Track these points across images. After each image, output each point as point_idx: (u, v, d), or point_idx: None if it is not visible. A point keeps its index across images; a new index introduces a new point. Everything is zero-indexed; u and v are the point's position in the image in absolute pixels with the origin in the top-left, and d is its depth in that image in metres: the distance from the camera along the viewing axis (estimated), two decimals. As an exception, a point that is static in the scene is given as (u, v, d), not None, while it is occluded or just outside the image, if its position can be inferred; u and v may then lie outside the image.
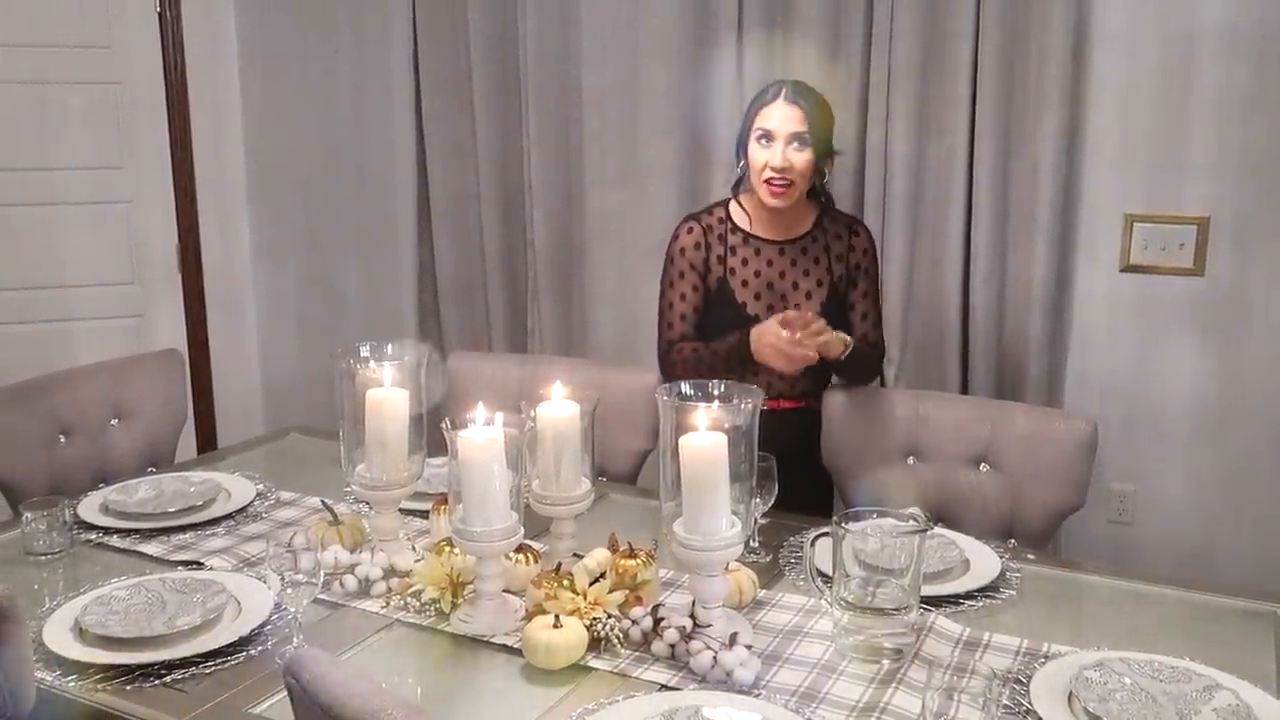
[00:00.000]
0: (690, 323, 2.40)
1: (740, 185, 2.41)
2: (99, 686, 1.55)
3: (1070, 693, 1.48)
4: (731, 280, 2.36)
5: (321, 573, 1.66)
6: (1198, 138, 2.78)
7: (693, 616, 1.63)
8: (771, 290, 2.37)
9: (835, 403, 2.42)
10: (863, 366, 2.38)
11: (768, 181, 2.27)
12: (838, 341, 2.21)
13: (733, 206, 2.43)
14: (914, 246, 3.05)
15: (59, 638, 1.65)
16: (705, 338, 2.38)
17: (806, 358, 2.14)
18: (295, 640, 1.63)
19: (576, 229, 3.53)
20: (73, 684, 1.56)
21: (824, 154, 2.30)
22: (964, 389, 3.03)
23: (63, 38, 3.64)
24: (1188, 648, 1.62)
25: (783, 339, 2.12)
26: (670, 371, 2.39)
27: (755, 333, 2.19)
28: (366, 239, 3.92)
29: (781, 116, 2.25)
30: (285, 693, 1.25)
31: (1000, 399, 2.89)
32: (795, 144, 2.25)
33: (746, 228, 2.39)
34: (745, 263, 2.37)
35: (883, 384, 3.07)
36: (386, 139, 3.76)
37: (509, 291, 3.68)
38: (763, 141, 2.27)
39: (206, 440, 3.95)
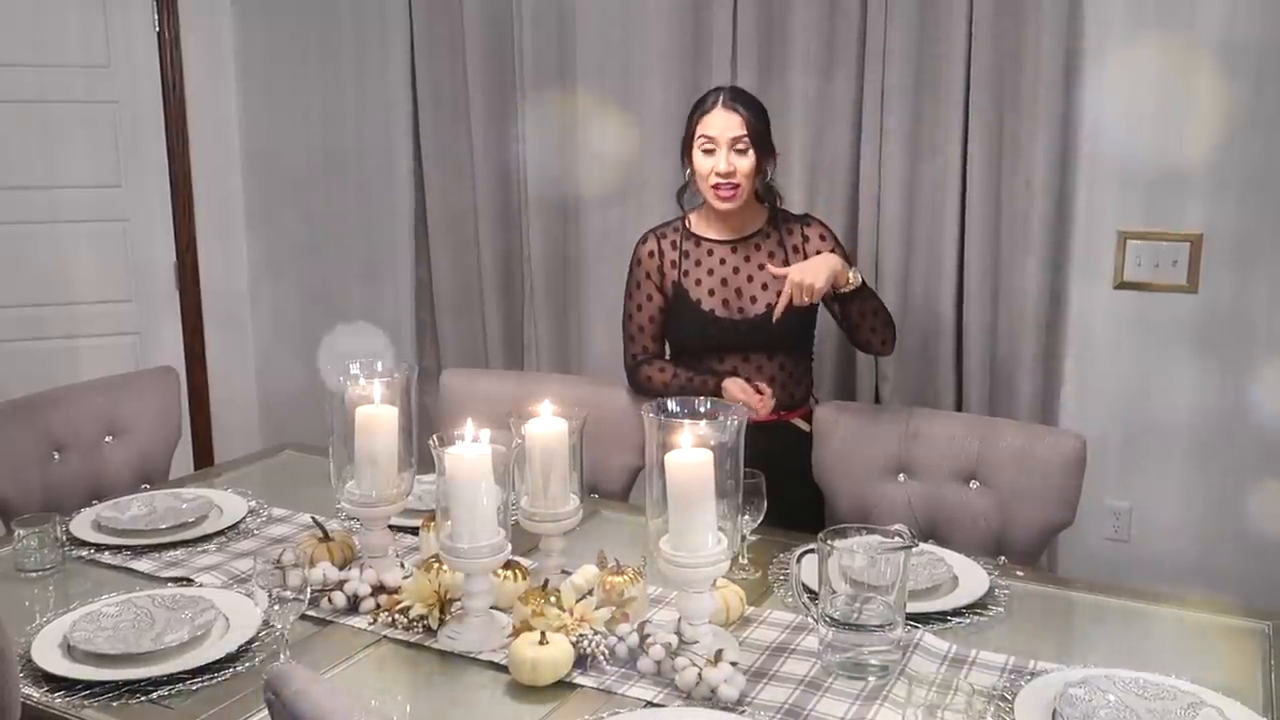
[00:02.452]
0: (650, 333, 2.53)
1: (685, 192, 2.51)
2: (85, 703, 1.56)
3: (1055, 710, 1.48)
4: (685, 281, 2.47)
5: (309, 589, 1.66)
6: (1193, 154, 2.77)
7: (679, 633, 1.63)
8: (726, 286, 2.46)
9: (826, 418, 2.42)
10: (877, 302, 2.43)
11: (715, 187, 2.36)
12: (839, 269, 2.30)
13: (689, 215, 2.52)
14: (908, 263, 3.05)
15: (47, 654, 1.66)
16: (668, 339, 2.52)
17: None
18: (282, 656, 1.64)
19: (573, 245, 3.54)
20: (59, 701, 1.57)
21: (765, 154, 2.39)
22: (958, 405, 3.03)
23: (63, 57, 3.67)
24: (1176, 665, 1.61)
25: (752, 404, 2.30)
26: (638, 385, 2.52)
27: (725, 388, 2.35)
28: (364, 255, 3.94)
29: (722, 123, 2.35)
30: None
31: (994, 415, 2.88)
32: (737, 148, 2.34)
33: (699, 232, 2.50)
34: (699, 263, 2.47)
35: (877, 399, 3.08)
36: (384, 155, 3.78)
37: (506, 308, 3.69)
38: (706, 149, 2.36)
39: (204, 456, 3.96)
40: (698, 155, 2.38)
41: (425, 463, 1.90)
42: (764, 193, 2.47)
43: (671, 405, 1.74)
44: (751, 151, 2.35)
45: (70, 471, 2.52)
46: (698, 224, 2.51)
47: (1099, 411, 2.95)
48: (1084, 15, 2.81)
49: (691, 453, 1.62)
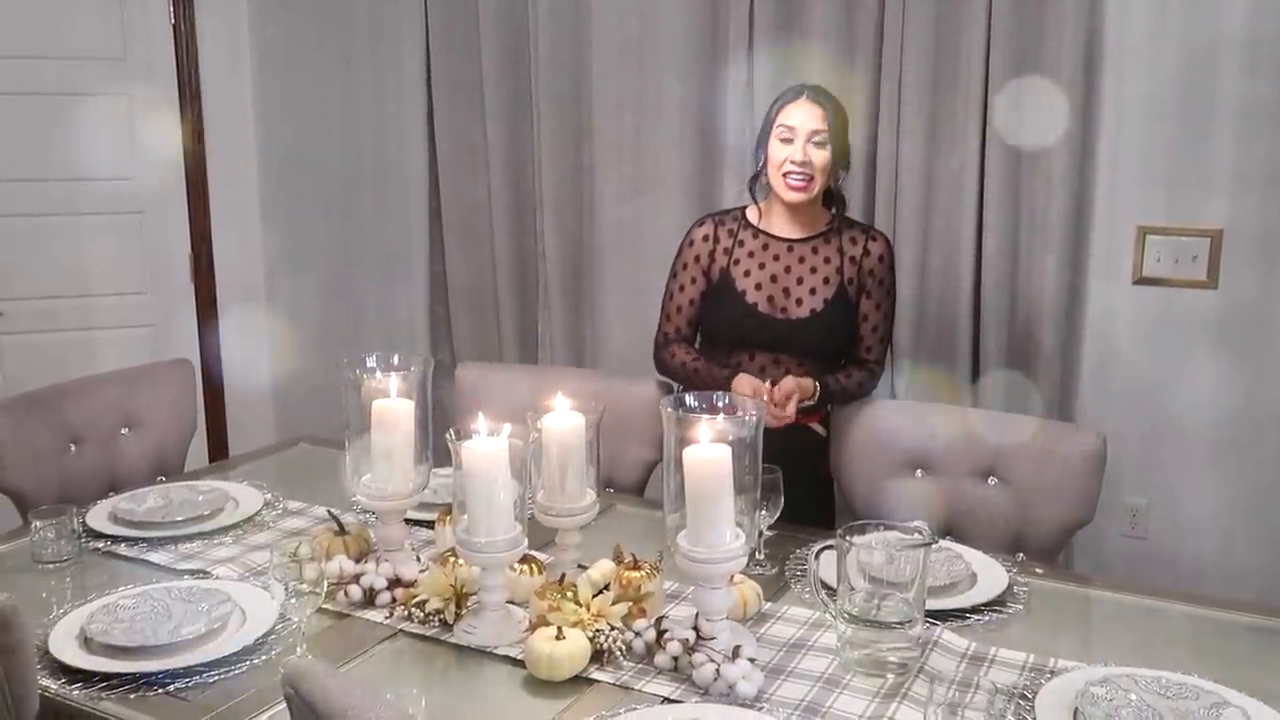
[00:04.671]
0: (686, 316, 2.50)
1: (756, 182, 2.47)
2: (103, 695, 1.56)
3: (1076, 709, 1.47)
4: (734, 270, 2.44)
5: (325, 582, 1.66)
6: (1214, 150, 2.76)
7: (696, 629, 1.62)
8: (774, 283, 2.42)
9: (843, 416, 2.41)
10: (848, 396, 2.42)
11: (787, 175, 2.34)
12: (808, 386, 2.31)
13: (749, 207, 2.49)
14: (925, 257, 3.04)
15: (64, 646, 1.66)
16: (704, 327, 2.49)
17: (783, 419, 2.24)
18: (299, 650, 1.64)
19: (588, 240, 3.53)
20: (77, 692, 1.57)
21: (840, 157, 2.37)
22: (975, 401, 3.02)
23: (79, 50, 3.68)
24: (1196, 664, 1.60)
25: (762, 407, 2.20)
26: (661, 362, 2.52)
27: (735, 386, 2.29)
28: (379, 249, 3.94)
29: (804, 115, 2.33)
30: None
31: (1012, 411, 2.86)
32: (815, 141, 2.32)
33: (759, 224, 2.46)
34: (751, 255, 2.44)
35: (894, 395, 3.07)
36: (399, 150, 3.78)
37: (520, 302, 3.69)
38: (785, 138, 2.34)
39: (218, 448, 3.97)
40: (774, 144, 2.35)
41: (441, 456, 1.89)
42: (832, 197, 2.44)
43: (690, 399, 1.73)
44: (829, 147, 2.32)
45: (86, 463, 2.52)
46: (757, 214, 2.47)
47: (1117, 407, 2.93)
48: (1105, 9, 2.79)
49: (710, 448, 1.61)
